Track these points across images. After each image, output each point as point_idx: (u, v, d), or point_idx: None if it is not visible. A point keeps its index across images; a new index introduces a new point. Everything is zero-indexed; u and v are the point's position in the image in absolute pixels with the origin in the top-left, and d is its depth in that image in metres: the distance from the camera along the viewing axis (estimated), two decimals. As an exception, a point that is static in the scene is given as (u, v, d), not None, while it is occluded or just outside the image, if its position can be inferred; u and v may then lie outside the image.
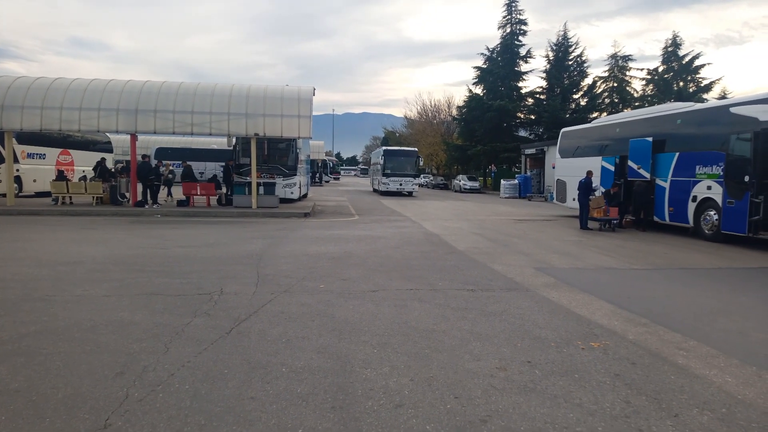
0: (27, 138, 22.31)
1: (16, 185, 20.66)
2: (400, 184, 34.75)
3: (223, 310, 5.89)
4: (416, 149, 39.64)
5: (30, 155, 23.24)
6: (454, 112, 58.85)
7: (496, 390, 3.86)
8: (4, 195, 19.87)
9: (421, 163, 37.46)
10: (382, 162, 36.03)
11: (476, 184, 44.79)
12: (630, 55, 47.16)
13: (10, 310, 5.70)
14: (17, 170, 21.13)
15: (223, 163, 23.01)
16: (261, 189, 19.87)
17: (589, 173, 16.18)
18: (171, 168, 23.98)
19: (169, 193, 23.10)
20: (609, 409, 3.59)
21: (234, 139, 20.88)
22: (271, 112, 18.63)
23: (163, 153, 35.57)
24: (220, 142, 36.17)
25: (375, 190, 39.90)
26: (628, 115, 20.36)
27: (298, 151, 23.33)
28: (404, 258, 9.88)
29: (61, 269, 8.03)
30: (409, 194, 35.22)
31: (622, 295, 7.22)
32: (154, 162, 21.96)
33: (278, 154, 22.84)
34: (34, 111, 17.83)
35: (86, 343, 4.72)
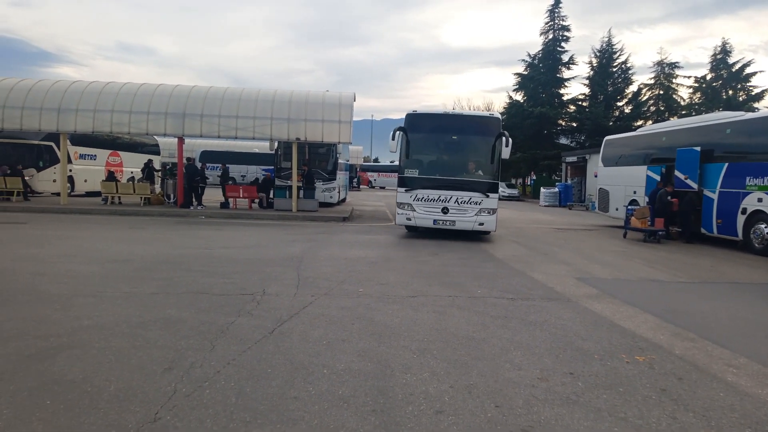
0: (79, 139, 23.27)
1: (68, 185, 21.56)
2: (445, 211, 13.36)
3: (266, 310, 6.01)
4: (495, 114, 14.46)
5: (82, 156, 24.24)
6: (494, 118, 58.29)
7: (538, 400, 3.82)
8: (58, 194, 20.79)
9: (507, 152, 12.99)
10: (402, 149, 13.78)
11: (515, 192, 44.23)
12: (677, 62, 45.98)
13: (65, 305, 5.96)
14: (70, 170, 22.05)
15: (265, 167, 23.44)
16: (301, 193, 20.17)
17: (659, 185, 15.96)
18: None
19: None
20: (655, 425, 3.50)
21: (276, 144, 21.29)
22: (312, 118, 18.92)
23: (207, 156, 36.50)
24: (261, 146, 36.93)
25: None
26: (674, 123, 19.80)
27: (337, 156, 23.60)
28: (442, 264, 9.86)
29: (110, 267, 8.34)
30: (475, 235, 14.19)
31: (667, 308, 7.02)
32: (198, 164, 22.52)
33: (318, 158, 23.17)
34: (87, 114, 18.61)
35: (136, 338, 4.89)
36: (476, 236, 13.90)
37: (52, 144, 22.31)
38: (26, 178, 21.16)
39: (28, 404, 3.48)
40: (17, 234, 12.22)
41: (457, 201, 13.31)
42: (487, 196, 13.30)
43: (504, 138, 12.94)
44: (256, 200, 21.03)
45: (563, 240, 14.88)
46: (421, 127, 13.92)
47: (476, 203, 13.26)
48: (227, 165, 23.91)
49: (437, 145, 14.45)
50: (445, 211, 13.36)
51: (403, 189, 13.66)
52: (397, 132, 13.56)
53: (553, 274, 9.22)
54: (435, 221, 13.41)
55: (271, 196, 21.32)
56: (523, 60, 49.24)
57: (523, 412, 3.62)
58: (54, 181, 22.49)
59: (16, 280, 7.21)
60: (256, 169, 38.74)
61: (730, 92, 42.70)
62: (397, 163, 13.72)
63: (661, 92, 45.78)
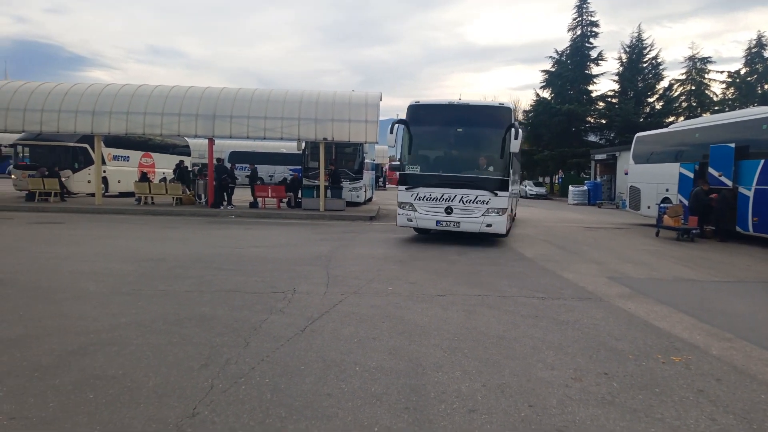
0: (112, 141, 23.82)
1: (102, 186, 22.11)
2: (448, 211, 12.07)
3: (297, 308, 6.09)
4: (506, 103, 12.78)
5: (116, 157, 24.82)
6: (520, 116, 57.86)
7: (573, 400, 3.79)
8: (93, 194, 21.35)
9: (517, 145, 11.59)
10: (404, 144, 12.68)
11: (542, 190, 43.78)
12: (709, 57, 44.83)
13: (103, 303, 6.13)
14: (104, 171, 22.60)
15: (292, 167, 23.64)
16: (328, 192, 20.32)
17: (700, 182, 15.54)
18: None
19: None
20: (693, 426, 3.45)
21: (303, 144, 21.49)
22: (339, 118, 19.03)
23: (236, 156, 37.02)
24: (288, 147, 37.32)
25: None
26: (708, 119, 19.32)
27: (364, 155, 23.70)
28: (470, 263, 9.82)
29: (145, 265, 8.54)
30: (482, 238, 13.14)
31: (703, 308, 6.87)
32: (228, 165, 22.85)
33: (345, 158, 23.31)
34: (121, 116, 19.05)
35: (172, 335, 5.00)
36: (503, 235, 12.95)
37: (87, 146, 22.89)
38: (62, 179, 21.76)
39: (73, 398, 3.60)
40: (56, 234, 12.60)
41: (461, 200, 11.96)
42: (496, 195, 11.80)
43: (513, 130, 11.56)
44: (285, 200, 21.26)
45: (593, 239, 14.67)
46: (424, 120, 12.62)
47: (483, 202, 11.86)
48: (255, 165, 24.20)
49: (441, 138, 13.11)
50: (448, 211, 12.04)
51: (403, 187, 12.48)
52: (396, 125, 12.34)
53: (584, 273, 9.11)
54: (438, 222, 12.17)
55: (299, 195, 21.53)
56: (551, 57, 48.63)
57: (557, 412, 3.60)
58: (89, 182, 23.07)
59: (56, 278, 7.45)
60: (283, 169, 39.16)
61: (766, 87, 41.51)
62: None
63: (693, 88, 44.76)
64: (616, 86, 46.56)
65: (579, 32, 46.66)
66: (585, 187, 36.70)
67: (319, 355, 4.58)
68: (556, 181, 51.81)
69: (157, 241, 11.69)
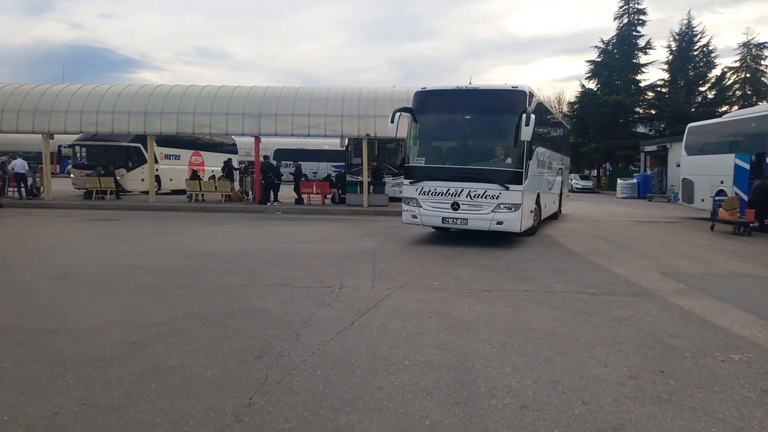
0: (163, 140, 24.65)
1: (155, 183, 22.91)
2: (455, 207, 11.00)
3: (345, 302, 6.18)
4: (521, 87, 10.96)
5: (167, 156, 25.67)
6: (565, 108, 56.49)
7: (627, 398, 3.72)
8: (147, 192, 22.17)
9: (528, 132, 10.02)
10: (409, 134, 11.87)
11: (589, 184, 42.72)
12: (765, 43, 42.54)
13: (161, 296, 6.38)
14: (156, 170, 23.41)
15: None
16: (371, 188, 20.43)
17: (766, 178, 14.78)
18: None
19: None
20: (758, 427, 3.32)
21: (346, 140, 21.68)
22: (381, 113, 19.06)
23: (280, 154, 37.63)
24: (331, 143, 37.64)
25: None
26: (764, 108, 18.42)
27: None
28: (517, 258, 9.71)
29: (198, 260, 8.83)
30: (493, 237, 11.86)
31: (763, 304, 6.60)
32: (274, 162, 23.30)
33: (387, 154, 23.35)
34: (171, 116, 19.69)
35: (227, 328, 5.17)
36: (518, 234, 11.38)
37: (140, 145, 23.75)
38: (117, 177, 22.67)
39: (135, 387, 3.78)
40: (113, 230, 13.16)
41: (469, 195, 10.80)
42: (507, 189, 10.52)
43: (525, 115, 10.03)
44: (329, 196, 21.52)
45: (644, 233, 14.25)
46: (431, 107, 11.51)
47: (493, 197, 10.63)
48: (299, 162, 24.58)
49: (449, 127, 11.91)
50: (455, 206, 10.93)
51: (407, 181, 11.58)
52: (398, 114, 11.35)
53: (636, 268, 8.86)
54: (444, 219, 11.13)
55: (343, 191, 21.76)
56: (596, 46, 47.15)
57: (612, 409, 3.54)
58: (142, 180, 23.98)
59: (115, 272, 7.79)
60: (326, 165, 39.61)
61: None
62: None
63: (748, 75, 42.70)
64: (665, 75, 44.89)
65: (626, 20, 45.16)
66: (634, 180, 35.58)
67: (368, 348, 4.64)
68: (603, 174, 50.47)
69: (209, 236, 12.06)
